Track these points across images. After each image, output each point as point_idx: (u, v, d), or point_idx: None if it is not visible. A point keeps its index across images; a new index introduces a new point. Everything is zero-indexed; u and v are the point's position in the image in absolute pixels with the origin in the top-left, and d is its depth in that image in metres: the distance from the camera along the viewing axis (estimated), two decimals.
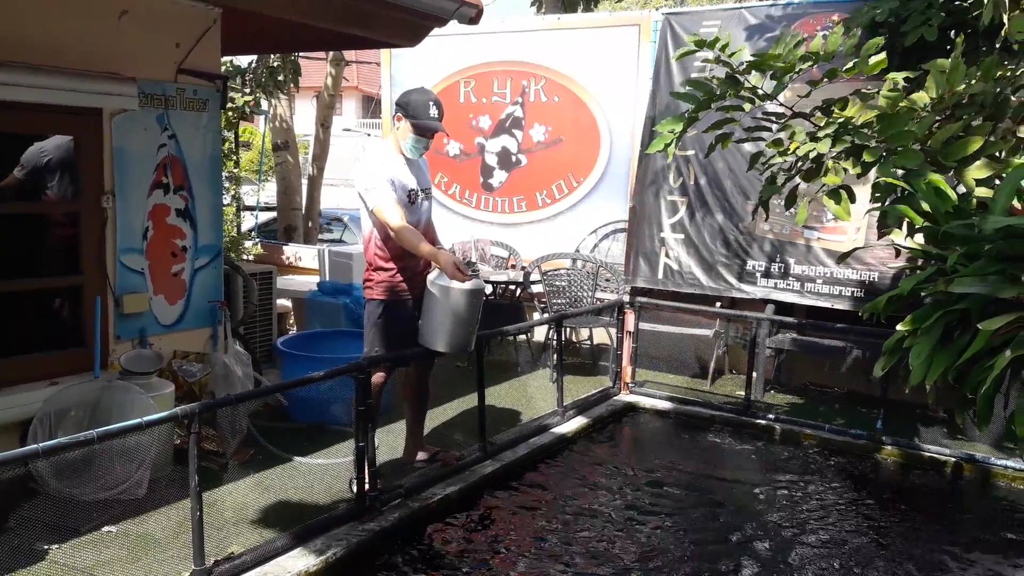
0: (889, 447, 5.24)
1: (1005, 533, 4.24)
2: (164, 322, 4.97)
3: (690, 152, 6.48)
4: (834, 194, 3.51)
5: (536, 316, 7.32)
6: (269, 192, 12.72)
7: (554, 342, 5.80)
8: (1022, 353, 2.92)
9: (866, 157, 3.28)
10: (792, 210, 6.15)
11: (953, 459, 5.04)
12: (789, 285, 6.25)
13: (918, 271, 3.52)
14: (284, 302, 7.58)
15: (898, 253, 4.15)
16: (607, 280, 7.42)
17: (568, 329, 7.34)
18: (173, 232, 5.02)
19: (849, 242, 6.01)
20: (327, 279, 7.09)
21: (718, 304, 6.69)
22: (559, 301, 6.99)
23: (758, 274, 6.34)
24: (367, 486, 3.90)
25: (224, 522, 3.77)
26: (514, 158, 7.80)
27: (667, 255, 6.69)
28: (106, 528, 3.67)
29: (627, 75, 7.25)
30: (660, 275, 6.69)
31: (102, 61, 4.48)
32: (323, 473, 4.41)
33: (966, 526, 4.33)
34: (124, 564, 3.38)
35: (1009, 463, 4.91)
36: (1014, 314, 3.02)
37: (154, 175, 4.87)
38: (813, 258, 6.16)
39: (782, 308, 6.33)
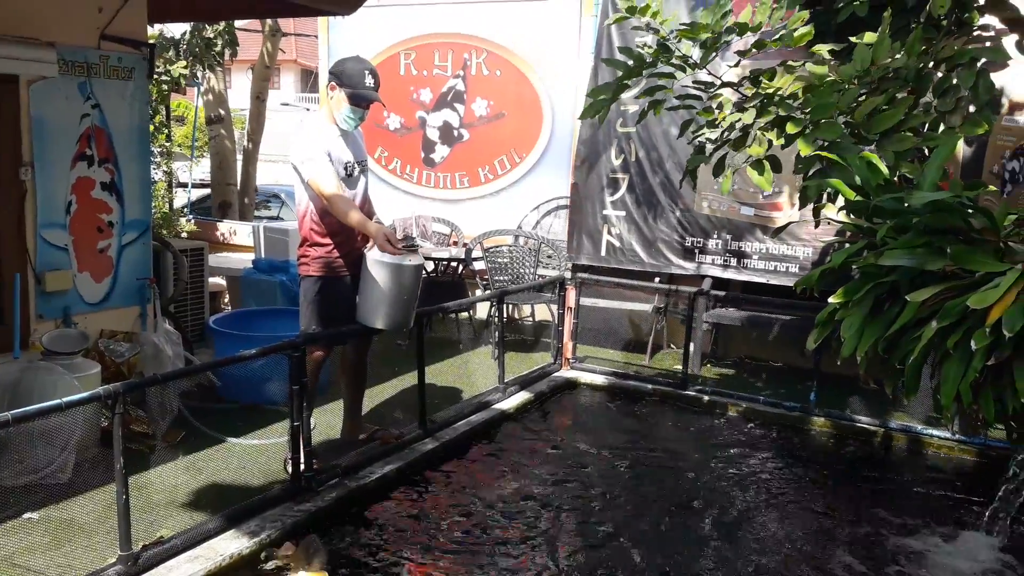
0: (822, 418, 5.36)
1: (933, 499, 4.37)
2: (90, 300, 4.78)
3: (631, 129, 6.51)
4: (757, 164, 3.55)
5: (478, 293, 7.28)
6: (204, 168, 12.36)
7: (496, 319, 5.77)
8: (948, 324, 3.00)
9: (789, 128, 3.31)
10: (730, 187, 6.30)
11: (883, 429, 5.19)
12: (727, 261, 6.36)
13: (849, 245, 3.60)
14: (218, 281, 7.39)
15: (817, 224, 4.24)
16: (549, 257, 7.42)
17: (510, 306, 7.33)
18: (98, 206, 4.82)
19: (785, 218, 6.11)
20: (262, 256, 6.93)
21: (657, 280, 6.75)
22: (501, 278, 6.96)
23: (697, 251, 6.44)
24: (302, 466, 3.82)
25: (153, 506, 3.66)
26: (456, 132, 7.71)
27: (609, 232, 6.73)
28: (27, 515, 3.53)
29: (569, 49, 7.21)
30: (603, 252, 6.75)
31: (18, 25, 4.25)
32: (257, 454, 4.32)
33: (896, 493, 4.45)
34: (46, 551, 3.26)
35: (936, 433, 5.07)
36: (940, 285, 3.10)
37: (77, 146, 4.67)
38: (749, 235, 6.26)
39: (720, 285, 6.43)
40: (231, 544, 3.34)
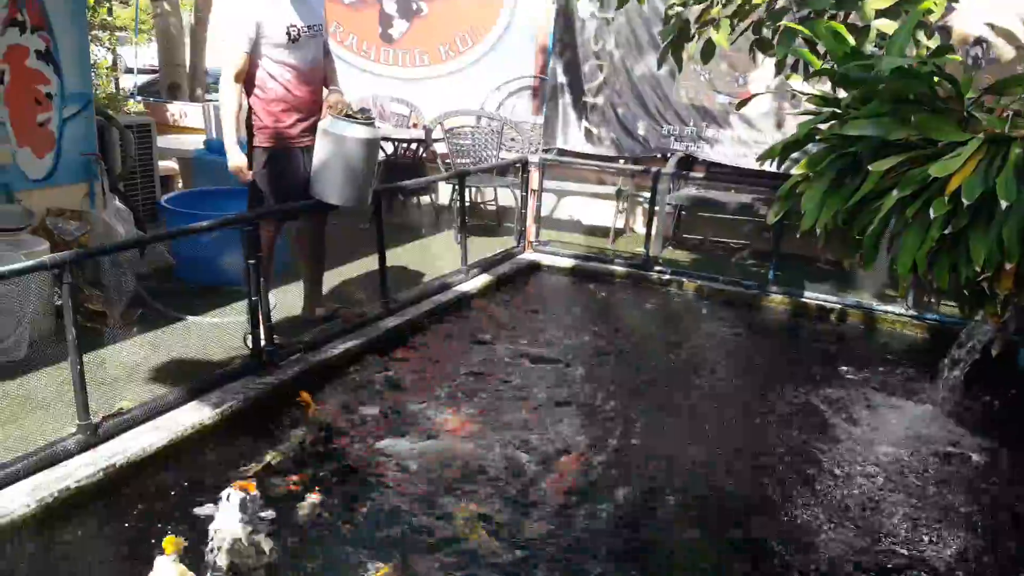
0: (780, 296, 5.45)
1: (884, 371, 4.50)
2: (33, 176, 4.59)
3: (610, 15, 6.42)
4: (714, 23, 3.49)
5: None
6: (153, 54, 11.75)
7: (457, 200, 5.68)
8: (908, 193, 3.00)
9: None
10: (705, 76, 6.30)
11: (840, 306, 5.30)
12: (700, 148, 6.41)
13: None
14: (170, 164, 7.15)
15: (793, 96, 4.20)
16: (512, 140, 7.27)
17: (472, 190, 7.22)
18: (35, 77, 4.55)
19: (756, 102, 6.08)
20: (214, 136, 6.67)
21: (622, 162, 6.71)
22: (463, 161, 6.82)
23: (672, 137, 6.48)
24: (263, 341, 3.80)
25: (113, 380, 3.62)
26: (415, 6, 7.37)
27: (588, 119, 6.73)
28: None
29: None
30: (580, 138, 6.77)
31: None
32: (218, 332, 4.27)
33: (849, 366, 4.56)
34: (2, 424, 3.23)
35: (890, 308, 5.19)
36: (903, 155, 3.08)
37: (6, 11, 4.36)
38: (723, 121, 6.30)
39: (687, 169, 6.42)
40: (193, 415, 3.33)
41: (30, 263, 2.87)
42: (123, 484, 2.97)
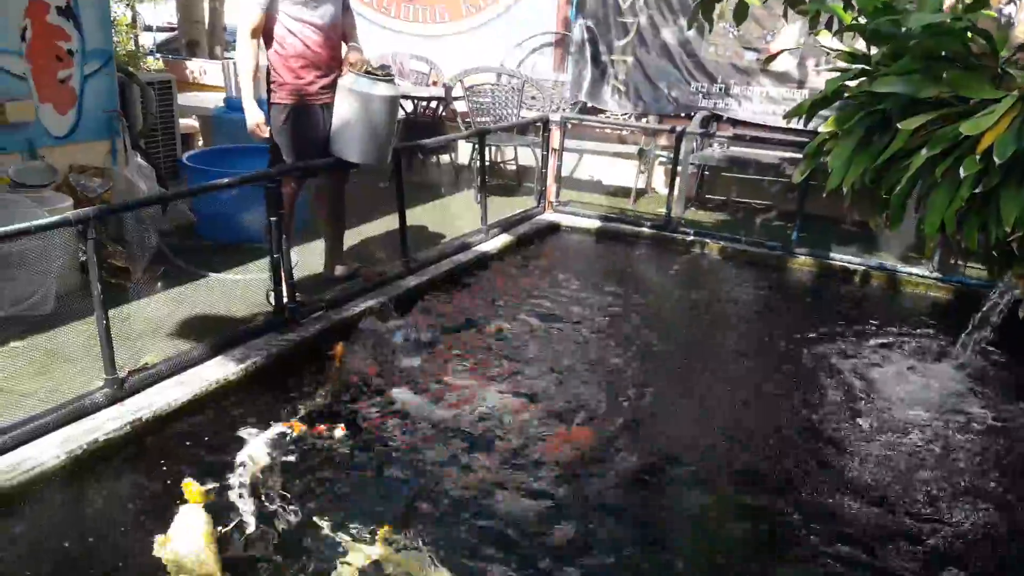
0: (803, 257, 5.40)
1: (907, 332, 4.47)
2: (55, 133, 4.60)
3: None
4: None
5: None
6: (171, 10, 11.68)
7: (477, 159, 5.64)
8: (938, 152, 2.94)
9: None
10: (735, 32, 6.23)
11: (863, 267, 5.24)
12: (728, 106, 6.37)
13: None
14: (190, 122, 7.15)
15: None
16: (533, 98, 7.19)
17: (492, 149, 7.17)
18: (56, 33, 4.54)
19: (783, 59, 6.01)
20: (234, 94, 6.64)
21: (645, 121, 6.65)
22: (483, 119, 6.76)
23: (700, 95, 6.44)
24: (285, 298, 3.82)
25: (138, 335, 3.67)
26: None
27: (616, 77, 6.69)
28: (12, 344, 3.53)
29: None
30: (607, 96, 6.76)
31: None
32: (240, 289, 4.31)
33: (872, 326, 4.54)
34: (33, 377, 3.28)
35: (915, 271, 5.13)
36: (933, 113, 3.02)
37: None
38: (752, 79, 6.26)
39: (711, 128, 6.36)
40: (217, 371, 3.37)
41: (55, 219, 2.89)
42: (149, 437, 3.02)
